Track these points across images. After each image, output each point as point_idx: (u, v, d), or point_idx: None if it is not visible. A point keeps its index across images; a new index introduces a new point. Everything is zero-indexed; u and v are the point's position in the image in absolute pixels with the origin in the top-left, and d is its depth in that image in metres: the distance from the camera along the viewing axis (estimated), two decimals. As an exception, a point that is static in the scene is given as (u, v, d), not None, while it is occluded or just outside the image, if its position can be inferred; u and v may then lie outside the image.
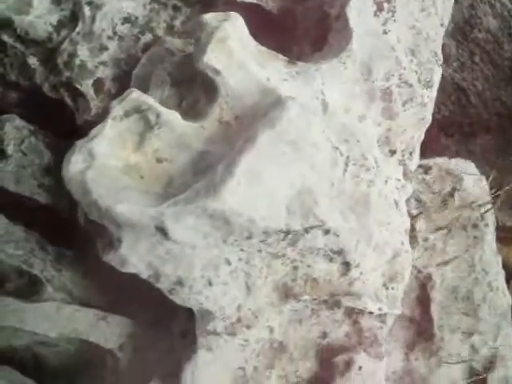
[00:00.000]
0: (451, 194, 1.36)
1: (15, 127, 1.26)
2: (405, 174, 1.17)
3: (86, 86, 1.18)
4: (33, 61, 1.26)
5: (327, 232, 1.01)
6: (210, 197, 0.87)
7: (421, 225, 1.36)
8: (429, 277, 1.38)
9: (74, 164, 0.92)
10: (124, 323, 1.13)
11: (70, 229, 1.27)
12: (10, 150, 1.24)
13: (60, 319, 1.12)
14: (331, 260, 1.05)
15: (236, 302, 1.01)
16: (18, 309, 1.12)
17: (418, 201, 1.36)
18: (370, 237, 1.06)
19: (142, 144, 0.97)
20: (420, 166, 1.35)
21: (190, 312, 1.03)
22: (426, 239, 1.36)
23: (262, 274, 1.02)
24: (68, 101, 1.24)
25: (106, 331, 1.13)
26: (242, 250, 0.97)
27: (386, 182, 1.12)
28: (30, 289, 1.18)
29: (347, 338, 1.11)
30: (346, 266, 1.06)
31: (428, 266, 1.37)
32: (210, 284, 0.97)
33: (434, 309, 1.37)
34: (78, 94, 1.22)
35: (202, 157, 0.97)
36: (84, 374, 1.17)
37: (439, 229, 1.36)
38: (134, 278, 1.14)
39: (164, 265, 0.93)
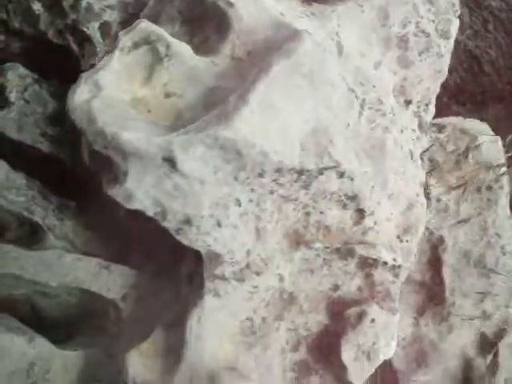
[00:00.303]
0: (465, 154, 1.32)
1: (18, 75, 1.22)
2: (420, 126, 1.13)
3: (93, 29, 1.14)
4: (37, 6, 1.22)
5: (342, 175, 0.97)
6: (222, 125, 0.83)
7: (434, 185, 1.31)
8: (441, 239, 1.33)
9: (80, 94, 0.88)
10: (127, 273, 1.08)
11: (72, 180, 1.23)
12: (12, 97, 1.19)
13: (61, 268, 1.08)
14: (344, 207, 1.01)
15: (245, 246, 0.96)
16: (19, 256, 1.08)
17: (431, 160, 1.32)
18: (385, 183, 1.02)
19: (151, 77, 0.93)
20: (434, 125, 1.31)
21: (197, 256, 0.98)
22: (438, 200, 1.31)
23: (272, 219, 0.98)
24: (73, 46, 1.19)
25: (109, 281, 1.08)
26: (252, 190, 0.93)
27: (402, 131, 1.08)
28: (30, 237, 1.14)
29: (359, 292, 1.07)
30: (360, 213, 1.02)
31: (440, 227, 1.33)
32: (219, 225, 0.93)
33: (446, 272, 1.33)
34: (83, 39, 1.17)
35: (212, 92, 0.93)
36: (85, 325, 1.13)
37: (453, 189, 1.31)
38: (138, 227, 1.10)
39: (171, 201, 0.89)
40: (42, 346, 1.03)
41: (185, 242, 0.93)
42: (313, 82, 0.91)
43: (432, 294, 1.35)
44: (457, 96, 1.62)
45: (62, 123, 1.21)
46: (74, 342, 1.11)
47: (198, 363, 0.97)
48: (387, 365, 1.41)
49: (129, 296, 1.09)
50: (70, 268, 1.08)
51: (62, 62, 1.24)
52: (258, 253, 0.98)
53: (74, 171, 1.21)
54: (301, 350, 1.07)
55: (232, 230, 0.95)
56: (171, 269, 1.08)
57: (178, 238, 0.93)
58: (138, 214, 1.10)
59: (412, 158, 1.10)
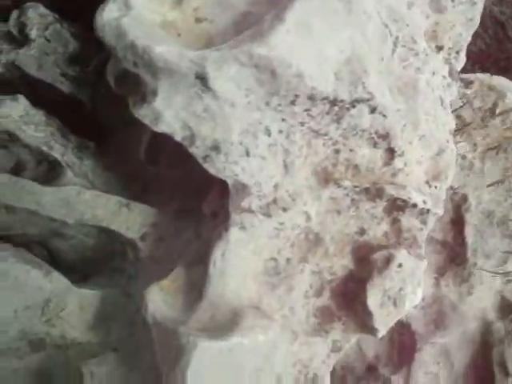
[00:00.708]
0: (492, 112, 1.29)
1: (39, 14, 1.20)
2: (450, 73, 1.10)
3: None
4: None
5: (374, 110, 0.94)
6: (257, 42, 0.81)
7: (459, 142, 1.28)
8: (464, 198, 1.30)
9: (108, 12, 0.85)
10: (147, 212, 1.05)
11: (91, 122, 1.20)
12: (33, 34, 1.17)
13: (79, 205, 1.05)
14: (375, 145, 0.98)
15: (273, 180, 0.93)
16: (35, 191, 1.05)
17: (458, 117, 1.28)
18: (417, 123, 0.99)
19: (181, 1, 0.89)
20: (460, 80, 1.28)
21: (223, 189, 0.95)
22: (463, 157, 1.28)
23: (301, 154, 0.95)
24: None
25: (128, 219, 1.05)
26: (283, 119, 0.90)
27: (434, 74, 1.04)
28: (48, 175, 1.10)
29: (385, 238, 1.04)
30: (390, 153, 0.99)
31: (464, 186, 1.30)
32: (247, 154, 0.90)
33: (468, 232, 1.30)
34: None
35: (244, 17, 0.90)
36: (101, 267, 1.09)
37: (478, 148, 1.28)
38: (158, 169, 1.07)
39: (201, 125, 0.86)
40: (58, 281, 1.00)
41: (212, 170, 0.90)
42: (350, 9, 0.88)
43: (453, 254, 1.31)
44: (481, 62, 1.59)
45: (82, 64, 1.18)
46: (90, 283, 1.07)
47: (220, 300, 0.94)
48: (405, 326, 1.38)
49: (148, 236, 1.05)
50: (89, 205, 1.04)
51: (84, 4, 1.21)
52: (286, 188, 0.95)
53: (94, 113, 1.17)
54: (324, 296, 1.03)
55: (260, 161, 0.92)
56: (192, 208, 1.05)
57: (205, 166, 0.89)
58: (159, 154, 1.08)
59: (442, 105, 1.07)
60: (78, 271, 1.10)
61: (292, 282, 0.99)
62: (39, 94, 1.17)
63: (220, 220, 0.95)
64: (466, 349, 1.35)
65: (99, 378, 0.95)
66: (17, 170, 1.11)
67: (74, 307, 1.03)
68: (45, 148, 1.07)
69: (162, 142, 1.08)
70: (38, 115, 1.11)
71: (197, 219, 1.03)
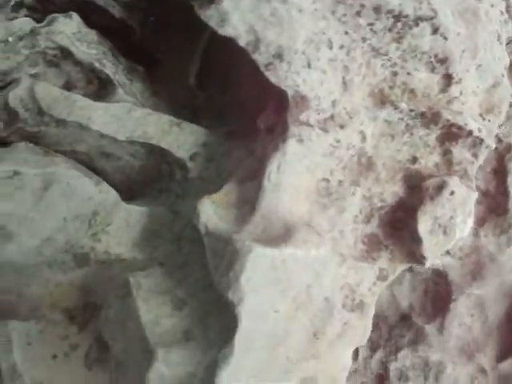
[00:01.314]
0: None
1: None
2: (508, 10, 1.10)
3: None
4: None
5: (436, 30, 0.94)
6: None
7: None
8: (508, 147, 1.29)
9: None
10: (198, 132, 1.04)
11: (140, 48, 1.20)
12: (85, -42, 1.16)
13: (130, 121, 1.04)
14: (433, 70, 0.97)
15: (332, 95, 0.93)
16: (87, 106, 1.04)
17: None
18: (475, 51, 0.99)
19: None
20: None
21: (279, 104, 0.94)
22: (510, 105, 1.27)
23: (360, 72, 0.95)
24: None
25: (179, 138, 1.04)
26: (346, 33, 0.90)
27: (492, 6, 1.04)
28: (98, 94, 1.10)
29: (436, 169, 1.03)
30: (448, 79, 0.99)
31: (509, 135, 1.29)
32: (309, 66, 0.90)
33: (511, 182, 1.28)
34: None
35: None
36: (147, 188, 1.08)
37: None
38: (208, 92, 1.06)
39: (266, 29, 0.86)
40: (107, 192, 0.99)
41: (273, 79, 0.89)
42: None
43: (494, 204, 1.30)
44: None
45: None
46: (136, 202, 1.06)
47: (273, 214, 0.93)
48: (441, 276, 1.37)
49: (198, 156, 1.05)
50: (140, 122, 1.04)
51: None
52: (344, 105, 0.94)
53: (142, 40, 1.17)
54: (372, 223, 1.03)
55: (320, 75, 0.91)
56: (243, 130, 1.04)
57: (267, 74, 0.89)
58: (208, 80, 1.07)
59: (499, 40, 1.06)
60: (123, 192, 1.09)
61: (343, 204, 0.98)
62: (90, 18, 1.16)
63: (277, 134, 0.94)
64: (502, 302, 1.34)
65: (146, 288, 0.94)
66: (67, 89, 1.10)
67: (121, 222, 1.02)
68: (97, 65, 1.07)
69: (212, 67, 1.07)
70: (91, 34, 1.11)
71: (249, 139, 1.02)
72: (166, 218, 1.03)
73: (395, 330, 1.36)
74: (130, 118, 1.04)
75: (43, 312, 1.02)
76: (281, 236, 0.91)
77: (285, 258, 0.88)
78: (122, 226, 1.03)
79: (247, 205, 0.95)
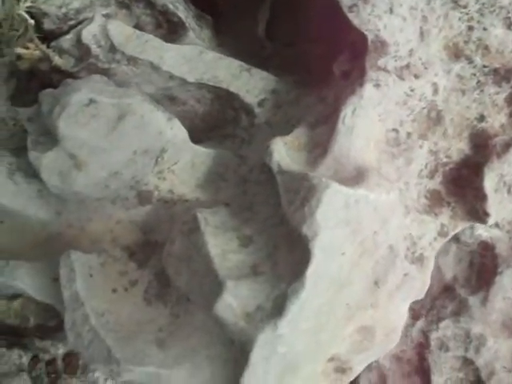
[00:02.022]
0: None
1: None
2: None
3: None
4: None
5: (516, -14, 0.93)
6: None
7: None
8: None
9: None
10: (268, 78, 1.05)
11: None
12: None
13: (201, 64, 1.05)
14: (509, 27, 0.98)
15: (409, 44, 0.94)
16: (159, 46, 1.05)
17: None
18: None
19: None
20: None
21: (355, 51, 0.95)
22: None
23: (437, 24, 0.95)
24: None
25: (249, 83, 1.05)
26: (429, -21, 0.90)
27: None
28: (167, 38, 1.11)
29: (502, 130, 1.03)
30: (522, 36, 0.98)
31: None
32: (391, 11, 0.91)
33: None
34: None
35: None
36: (211, 134, 1.09)
37: None
38: (277, 44, 1.07)
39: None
40: (178, 129, 1.00)
41: (356, 21, 0.90)
42: None
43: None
44: None
45: None
46: (202, 145, 1.07)
47: (345, 158, 0.94)
48: (488, 248, 1.37)
49: (266, 102, 1.06)
50: (211, 66, 1.05)
51: None
52: (420, 55, 0.95)
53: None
54: (436, 179, 1.03)
55: (401, 22, 0.92)
56: (313, 77, 1.05)
57: (350, 15, 0.90)
58: (277, 32, 1.08)
59: None
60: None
61: (411, 155, 0.99)
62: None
63: (353, 79, 0.95)
64: (548, 277, 1.34)
65: (213, 224, 0.95)
66: (138, 31, 1.11)
67: (187, 163, 1.03)
68: (171, 7, 1.08)
69: (281, 18, 1.08)
70: (164, -22, 1.11)
71: (318, 87, 1.03)
72: (231, 161, 1.04)
73: (438, 300, 1.35)
74: (200, 61, 1.05)
75: (104, 246, 1.03)
76: (352, 179, 0.91)
77: (358, 198, 0.88)
78: (187, 166, 1.03)
79: (318, 148, 0.95)
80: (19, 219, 1.03)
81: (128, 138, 0.95)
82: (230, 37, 1.17)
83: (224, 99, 1.08)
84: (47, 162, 0.95)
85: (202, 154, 1.03)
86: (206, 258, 0.90)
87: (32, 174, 1.00)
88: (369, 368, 1.32)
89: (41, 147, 0.96)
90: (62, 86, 1.00)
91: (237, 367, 0.89)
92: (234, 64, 1.05)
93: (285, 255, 0.89)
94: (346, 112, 0.93)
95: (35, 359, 1.28)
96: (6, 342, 1.29)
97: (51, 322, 1.37)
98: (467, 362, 1.34)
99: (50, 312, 1.36)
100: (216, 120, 1.11)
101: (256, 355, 0.86)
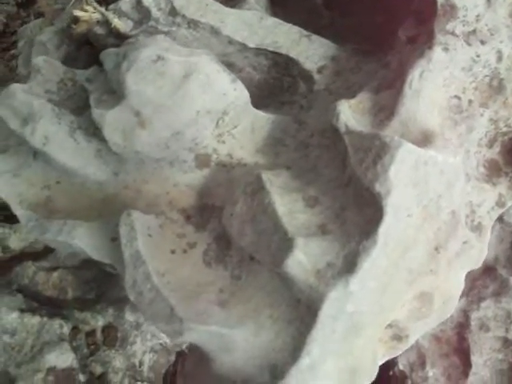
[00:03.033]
0: None
1: None
2: None
3: None
4: None
5: None
6: None
7: None
8: None
9: None
10: (327, 45, 1.06)
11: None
12: None
13: (261, 29, 1.05)
14: None
15: (477, 9, 0.95)
16: (219, 10, 1.06)
17: None
18: None
19: None
20: None
21: (421, 16, 0.95)
22: None
23: None
24: None
25: (308, 49, 1.06)
26: None
27: None
28: (227, 3, 1.10)
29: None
30: None
31: None
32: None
33: None
34: None
35: None
36: (267, 101, 1.09)
37: None
38: (334, 13, 1.07)
39: None
40: (241, 91, 1.01)
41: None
42: None
43: None
44: None
45: None
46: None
47: (411, 121, 0.94)
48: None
49: (326, 68, 1.06)
50: (271, 31, 1.05)
51: None
52: (486, 21, 0.96)
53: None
54: (494, 149, 1.04)
55: None
56: (374, 45, 1.05)
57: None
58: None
59: None
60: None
61: (473, 123, 0.99)
62: None
63: (420, 43, 0.95)
64: None
65: (278, 185, 0.94)
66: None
67: (247, 126, 1.03)
68: (230, -28, 1.08)
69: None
70: None
71: (380, 53, 1.03)
72: (290, 127, 1.04)
73: (479, 280, 1.36)
74: (261, 26, 1.05)
75: (161, 209, 1.02)
76: (420, 142, 0.91)
77: (427, 159, 0.88)
78: (247, 130, 1.03)
79: (384, 112, 0.96)
80: (76, 179, 1.03)
81: (192, 98, 0.95)
82: (286, 5, 1.16)
83: (282, 66, 1.08)
84: (111, 119, 0.94)
85: (262, 119, 1.03)
86: (273, 217, 0.90)
87: (92, 133, 0.99)
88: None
89: (104, 105, 0.95)
90: (124, 45, 0.99)
91: (302, 326, 0.88)
92: (294, 30, 1.05)
93: (353, 215, 0.89)
94: (414, 75, 0.93)
95: (75, 330, 1.27)
96: (47, 312, 1.27)
97: (90, 295, 1.36)
98: (507, 343, 1.33)
99: (88, 285, 1.35)
100: (272, 87, 1.10)
101: (324, 313, 0.86)
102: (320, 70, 1.06)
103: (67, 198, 1.03)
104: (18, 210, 1.01)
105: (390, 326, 1.00)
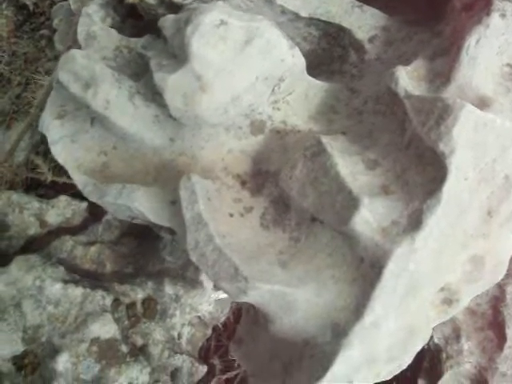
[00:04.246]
0: None
1: None
2: None
3: None
4: None
5: None
6: None
7: None
8: None
9: None
10: (379, 15, 1.08)
11: None
12: None
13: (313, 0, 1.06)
14: None
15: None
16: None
17: None
18: None
19: None
20: None
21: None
22: None
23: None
24: None
25: (360, 19, 1.08)
26: None
27: None
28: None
29: None
30: None
31: None
32: None
33: None
34: None
35: None
36: (317, 70, 1.11)
37: None
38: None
39: None
40: (299, 58, 1.03)
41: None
42: None
43: None
44: None
45: None
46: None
47: (467, 87, 0.97)
48: None
49: (377, 38, 1.08)
50: (323, 1, 1.08)
51: None
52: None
53: None
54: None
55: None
56: (427, 13, 1.07)
57: None
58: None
59: None
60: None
61: (524, 90, 1.01)
62: None
63: (477, 9, 0.97)
64: None
65: (337, 148, 0.96)
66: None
67: (301, 93, 1.05)
68: None
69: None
70: None
71: (432, 22, 1.05)
72: (342, 94, 1.06)
73: (514, 254, 1.37)
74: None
75: (216, 174, 1.03)
76: (477, 106, 0.93)
77: (486, 121, 0.90)
78: (301, 97, 1.05)
79: (439, 78, 0.98)
80: (132, 144, 1.04)
81: (252, 63, 0.96)
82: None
83: (332, 36, 1.10)
84: (173, 83, 0.96)
85: (316, 86, 1.05)
86: (336, 178, 0.92)
87: (151, 98, 1.01)
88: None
89: (166, 69, 0.97)
90: (184, 11, 1.00)
91: (366, 284, 0.90)
92: (346, 0, 1.07)
93: (415, 175, 0.91)
94: (471, 41, 0.95)
95: (117, 301, 1.28)
96: (89, 284, 1.28)
97: (127, 269, 1.37)
98: (543, 317, 1.35)
99: (125, 259, 1.36)
100: (321, 58, 1.12)
101: (389, 270, 0.88)
102: (371, 40, 1.08)
103: (123, 164, 1.04)
104: (75, 175, 1.02)
105: (442, 289, 1.02)
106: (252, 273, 0.91)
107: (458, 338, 1.40)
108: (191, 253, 0.94)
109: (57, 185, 1.56)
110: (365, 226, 0.87)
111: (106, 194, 0.98)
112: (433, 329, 1.08)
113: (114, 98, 0.98)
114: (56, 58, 1.78)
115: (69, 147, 1.02)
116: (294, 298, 0.92)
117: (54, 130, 1.01)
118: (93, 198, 1.00)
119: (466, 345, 1.39)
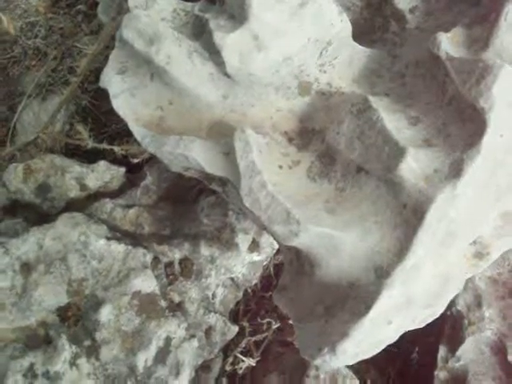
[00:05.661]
0: None
1: None
2: None
3: None
4: None
5: None
6: None
7: None
8: None
9: None
10: (419, -13, 1.15)
11: None
12: None
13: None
14: None
15: None
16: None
17: None
18: None
19: None
20: None
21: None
22: None
23: None
24: None
25: (401, -11, 1.15)
26: None
27: None
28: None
29: None
30: None
31: None
32: None
33: None
34: None
35: None
36: (358, 39, 1.18)
37: None
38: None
39: None
40: (346, 22, 1.10)
41: None
42: None
43: None
44: None
45: None
46: (354, 46, 1.16)
47: (505, 52, 1.05)
48: None
49: (417, 9, 1.16)
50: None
51: None
52: None
53: None
54: None
55: None
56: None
57: None
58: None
59: None
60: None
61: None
62: None
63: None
64: None
65: (382, 106, 1.04)
66: None
67: (345, 58, 1.12)
68: None
69: None
70: None
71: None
72: (384, 60, 1.13)
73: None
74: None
75: (266, 130, 1.11)
76: (513, 68, 1.01)
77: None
78: (346, 61, 1.13)
79: (477, 44, 1.06)
80: (188, 100, 1.11)
81: (305, 25, 1.04)
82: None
83: (374, 7, 1.18)
84: (231, 41, 1.03)
85: (360, 51, 1.12)
86: (382, 131, 0.99)
87: (207, 57, 1.08)
88: (464, 288, 1.41)
89: (225, 29, 1.04)
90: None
91: (408, 229, 0.97)
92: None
93: (456, 129, 0.99)
94: (510, 8, 1.03)
95: (156, 259, 1.34)
96: (130, 242, 1.35)
97: (165, 231, 1.44)
98: None
99: (162, 223, 1.43)
100: (363, 28, 1.20)
101: (431, 215, 0.95)
102: (412, 11, 1.16)
103: (178, 119, 1.12)
104: (134, 127, 1.09)
105: (474, 243, 1.09)
106: (303, 216, 0.99)
107: (479, 305, 1.47)
108: (245, 198, 1.01)
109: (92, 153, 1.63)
110: (410, 173, 0.95)
111: (164, 143, 1.05)
112: (455, 296, 1.15)
113: (175, 55, 1.06)
114: (92, 32, 1.87)
115: (128, 101, 1.09)
116: (341, 241, 0.99)
117: (116, 84, 1.09)
118: (151, 149, 1.07)
119: (487, 312, 1.46)
